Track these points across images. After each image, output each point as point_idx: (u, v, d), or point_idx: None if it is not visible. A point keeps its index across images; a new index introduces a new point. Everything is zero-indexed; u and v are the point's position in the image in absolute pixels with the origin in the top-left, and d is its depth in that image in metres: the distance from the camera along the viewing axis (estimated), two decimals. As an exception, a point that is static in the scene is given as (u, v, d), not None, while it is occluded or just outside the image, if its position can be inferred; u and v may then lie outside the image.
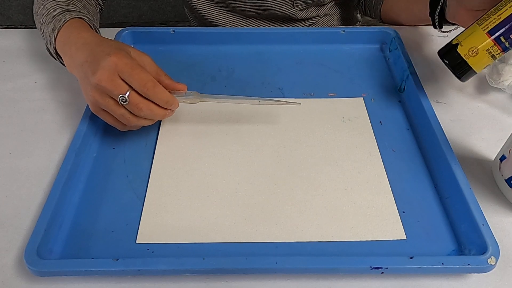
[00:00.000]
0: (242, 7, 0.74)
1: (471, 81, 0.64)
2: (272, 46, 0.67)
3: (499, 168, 0.50)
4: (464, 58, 0.50)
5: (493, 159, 0.53)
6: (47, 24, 0.56)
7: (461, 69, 0.52)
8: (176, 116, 0.56)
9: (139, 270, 0.40)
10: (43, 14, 0.58)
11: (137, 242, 0.44)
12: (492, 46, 0.49)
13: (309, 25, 0.79)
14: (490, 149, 0.54)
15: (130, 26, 0.68)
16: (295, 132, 0.55)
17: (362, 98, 0.60)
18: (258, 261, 0.41)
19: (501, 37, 0.48)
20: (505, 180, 0.49)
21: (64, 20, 0.54)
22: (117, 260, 0.40)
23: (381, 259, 0.40)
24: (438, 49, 0.53)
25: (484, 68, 0.51)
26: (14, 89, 0.62)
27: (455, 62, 0.52)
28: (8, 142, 0.54)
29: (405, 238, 0.44)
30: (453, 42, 0.52)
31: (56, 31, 0.54)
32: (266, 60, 0.66)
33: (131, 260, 0.40)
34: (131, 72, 0.46)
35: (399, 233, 0.45)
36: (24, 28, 0.72)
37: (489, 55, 0.50)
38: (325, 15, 0.79)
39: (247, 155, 0.52)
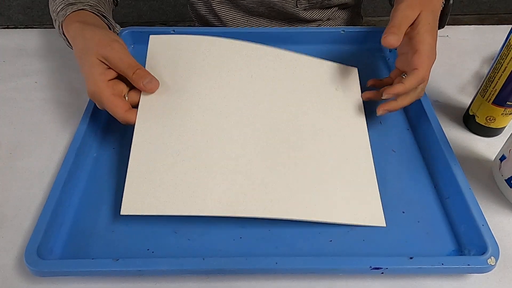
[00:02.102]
0: (245, 3, 0.74)
1: (471, 81, 0.64)
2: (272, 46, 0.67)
3: (499, 168, 0.50)
4: (486, 125, 0.54)
5: (493, 159, 0.53)
6: (55, 19, 0.57)
7: (488, 133, 0.55)
8: (159, 70, 0.52)
9: (139, 270, 0.40)
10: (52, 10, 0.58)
11: (121, 214, 0.42)
12: (504, 109, 0.52)
13: None
14: (490, 149, 0.54)
15: (130, 26, 0.68)
16: (287, 96, 0.53)
17: (356, 68, 0.59)
18: (258, 261, 0.41)
19: (507, 102, 0.51)
20: (505, 180, 0.49)
21: (65, 15, 0.55)
22: (117, 260, 0.40)
23: (381, 259, 0.40)
24: (462, 116, 0.58)
25: (508, 122, 0.54)
26: (14, 89, 0.62)
27: (480, 130, 0.56)
28: (8, 142, 0.54)
29: (385, 225, 0.45)
30: (470, 114, 0.55)
31: (59, 24, 0.55)
32: (266, 60, 0.65)
33: (131, 260, 0.40)
34: None
35: (378, 219, 0.45)
36: (24, 28, 0.72)
37: (507, 115, 0.53)
38: (328, 19, 0.79)
39: (235, 115, 0.50)
